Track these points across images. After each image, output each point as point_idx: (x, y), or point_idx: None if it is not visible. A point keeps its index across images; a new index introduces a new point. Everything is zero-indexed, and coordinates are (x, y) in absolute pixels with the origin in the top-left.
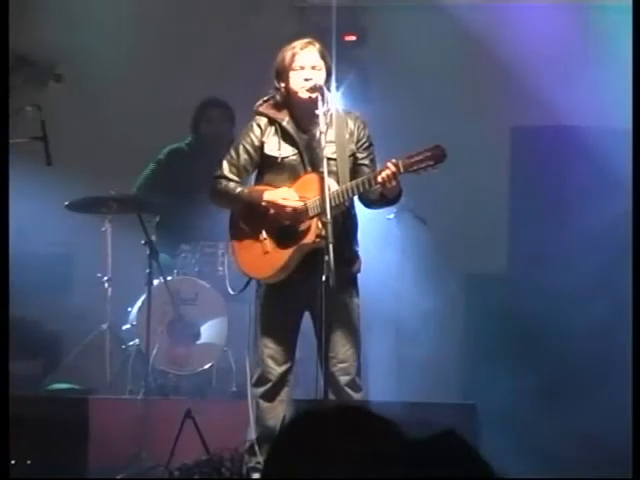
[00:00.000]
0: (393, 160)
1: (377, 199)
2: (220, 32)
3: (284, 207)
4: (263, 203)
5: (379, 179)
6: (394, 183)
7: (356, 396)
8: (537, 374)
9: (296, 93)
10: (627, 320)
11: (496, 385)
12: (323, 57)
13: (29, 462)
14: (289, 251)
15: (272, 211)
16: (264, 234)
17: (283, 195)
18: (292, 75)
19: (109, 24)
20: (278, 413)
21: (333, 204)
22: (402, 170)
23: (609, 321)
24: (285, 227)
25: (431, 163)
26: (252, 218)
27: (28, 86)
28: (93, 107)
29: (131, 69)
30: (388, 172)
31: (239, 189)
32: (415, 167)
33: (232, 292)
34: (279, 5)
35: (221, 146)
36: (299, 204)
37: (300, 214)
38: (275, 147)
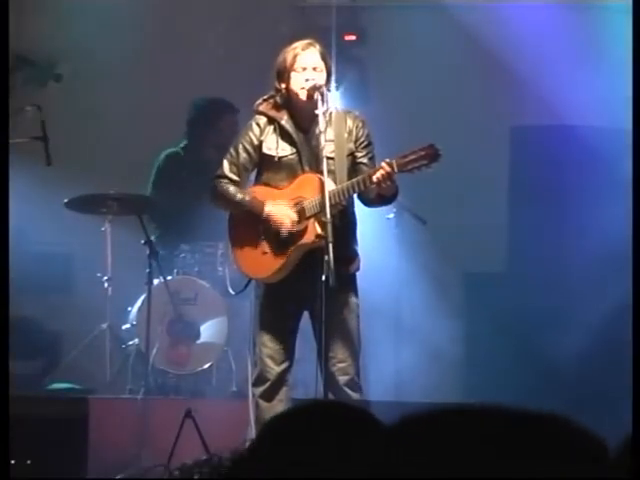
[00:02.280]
0: (387, 160)
1: (375, 198)
2: (220, 32)
3: (283, 225)
4: (264, 216)
5: (374, 179)
6: (389, 183)
7: (355, 396)
8: (537, 373)
9: (297, 94)
10: (627, 318)
11: (496, 384)
12: (324, 58)
13: (29, 462)
14: (287, 251)
15: (271, 223)
16: (262, 235)
17: (283, 213)
18: (293, 76)
19: (109, 24)
20: (277, 412)
21: (330, 204)
22: (396, 170)
23: (609, 320)
24: None
25: (425, 162)
26: (251, 220)
27: (28, 86)
28: (93, 107)
29: (131, 69)
30: (382, 172)
31: (239, 196)
32: (409, 166)
33: (232, 292)
34: (279, 5)
35: (222, 149)
36: (297, 225)
37: (296, 224)
38: (273, 146)
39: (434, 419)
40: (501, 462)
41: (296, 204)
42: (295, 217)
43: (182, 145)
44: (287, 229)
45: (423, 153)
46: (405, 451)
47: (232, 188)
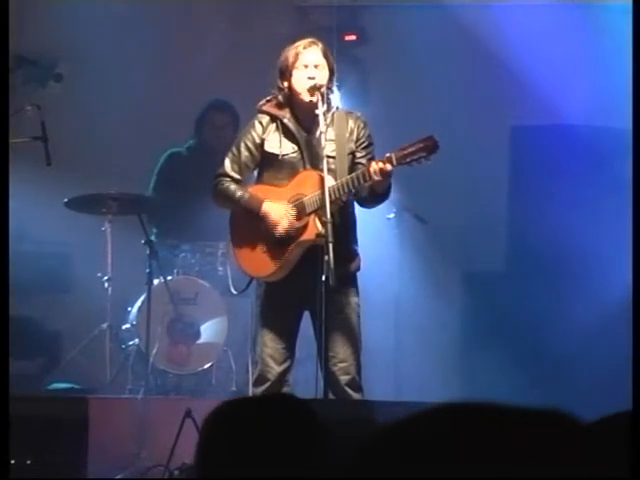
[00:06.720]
0: (386, 155)
1: (367, 196)
2: (221, 32)
3: (281, 221)
4: (261, 214)
5: (372, 171)
6: (387, 177)
7: (356, 395)
8: (537, 372)
9: (298, 92)
10: (627, 318)
11: (495, 384)
12: (326, 56)
13: (29, 462)
14: (288, 248)
15: (268, 221)
16: (263, 233)
17: (281, 211)
18: (295, 74)
19: (109, 24)
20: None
21: (330, 200)
22: (395, 163)
23: (608, 319)
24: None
25: (424, 154)
26: (251, 218)
27: (28, 86)
28: (93, 107)
29: (131, 69)
30: (381, 165)
31: (239, 193)
32: (408, 159)
33: (234, 292)
34: (279, 5)
35: (223, 151)
36: (296, 222)
37: (295, 225)
38: (276, 144)
39: (430, 419)
40: (499, 461)
41: (296, 201)
42: (294, 214)
43: (187, 145)
44: (286, 226)
45: (422, 145)
46: (402, 451)
47: (232, 186)
